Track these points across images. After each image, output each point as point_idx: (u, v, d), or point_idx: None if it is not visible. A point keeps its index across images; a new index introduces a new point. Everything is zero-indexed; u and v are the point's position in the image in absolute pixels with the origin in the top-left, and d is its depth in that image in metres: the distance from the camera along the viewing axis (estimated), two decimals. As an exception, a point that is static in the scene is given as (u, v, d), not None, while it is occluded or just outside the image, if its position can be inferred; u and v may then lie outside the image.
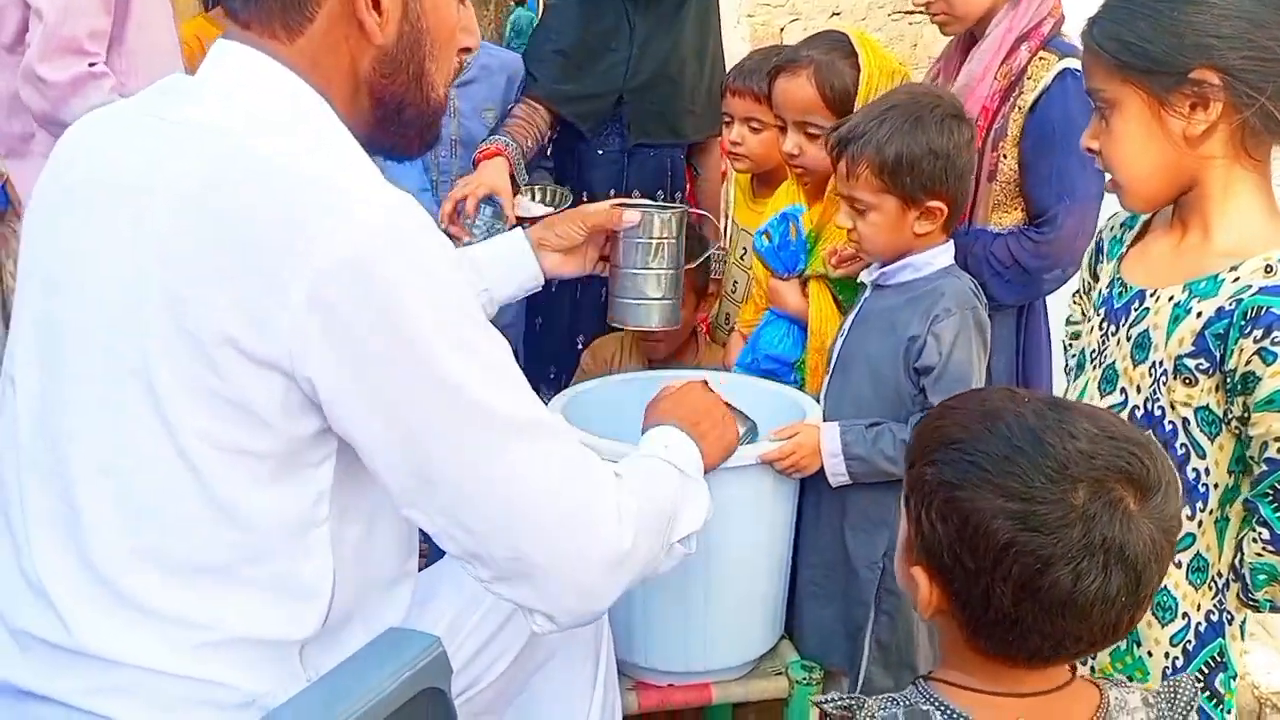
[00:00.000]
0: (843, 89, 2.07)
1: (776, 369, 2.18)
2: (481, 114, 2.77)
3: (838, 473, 1.87)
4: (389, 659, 1.21)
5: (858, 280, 2.01)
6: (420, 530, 1.24)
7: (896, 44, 7.07)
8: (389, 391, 1.10)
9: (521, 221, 2.61)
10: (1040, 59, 1.98)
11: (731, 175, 2.88)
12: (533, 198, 2.65)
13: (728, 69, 2.69)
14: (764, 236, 2.20)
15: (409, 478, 1.15)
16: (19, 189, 2.24)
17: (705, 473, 1.56)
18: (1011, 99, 2.00)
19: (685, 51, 2.70)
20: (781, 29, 7.88)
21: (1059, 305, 2.05)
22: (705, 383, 1.72)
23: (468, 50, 2.54)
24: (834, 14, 7.16)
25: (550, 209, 2.67)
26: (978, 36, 2.08)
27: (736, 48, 3.12)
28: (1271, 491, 1.30)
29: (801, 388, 2.12)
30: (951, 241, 1.92)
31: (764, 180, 2.53)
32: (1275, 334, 1.25)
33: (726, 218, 3.01)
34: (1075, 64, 1.89)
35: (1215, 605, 1.37)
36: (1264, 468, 1.30)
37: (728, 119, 2.52)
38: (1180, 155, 1.34)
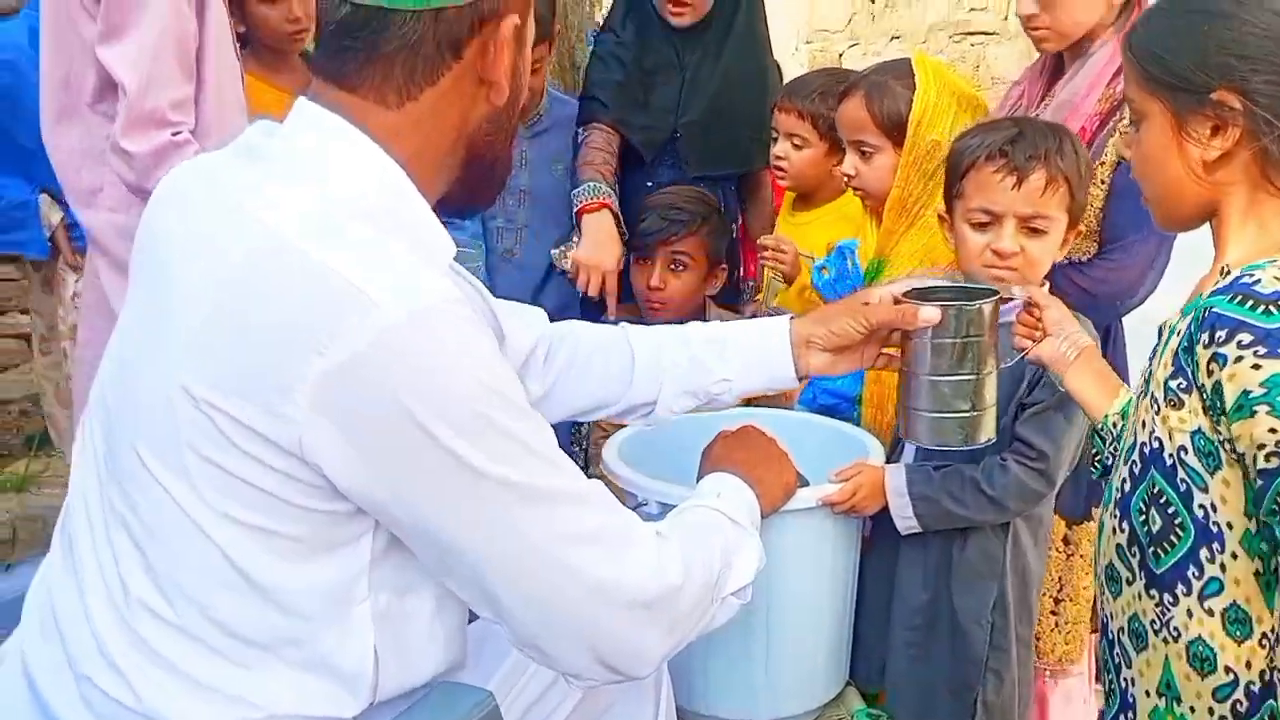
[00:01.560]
0: (893, 110, 2.07)
1: (837, 404, 2.13)
2: (551, 166, 2.74)
3: (904, 515, 1.82)
4: (439, 715, 1.19)
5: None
6: None
7: (959, 66, 7.01)
8: (402, 479, 1.09)
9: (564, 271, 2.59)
10: None
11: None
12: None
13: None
14: (822, 271, 2.19)
15: (432, 550, 1.15)
16: (88, 235, 2.29)
17: (765, 516, 1.52)
18: (1111, 123, 2.00)
19: (735, 77, 2.69)
20: (840, 54, 7.85)
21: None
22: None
23: None
24: (894, 38, 7.12)
25: None
26: (1066, 62, 2.11)
27: (795, 74, 3.11)
28: (1278, 507, 1.18)
29: (859, 423, 2.07)
30: None
31: (803, 197, 2.59)
32: (1219, 333, 1.16)
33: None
34: None
35: (1268, 664, 1.25)
36: (1260, 483, 1.18)
37: (775, 135, 2.52)
38: (1195, 182, 1.28)
